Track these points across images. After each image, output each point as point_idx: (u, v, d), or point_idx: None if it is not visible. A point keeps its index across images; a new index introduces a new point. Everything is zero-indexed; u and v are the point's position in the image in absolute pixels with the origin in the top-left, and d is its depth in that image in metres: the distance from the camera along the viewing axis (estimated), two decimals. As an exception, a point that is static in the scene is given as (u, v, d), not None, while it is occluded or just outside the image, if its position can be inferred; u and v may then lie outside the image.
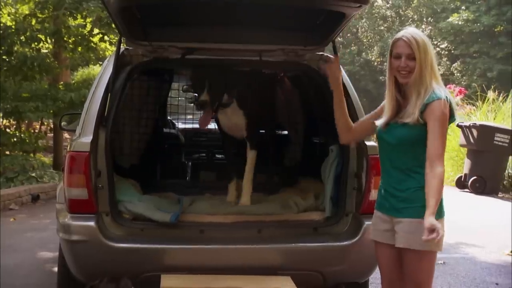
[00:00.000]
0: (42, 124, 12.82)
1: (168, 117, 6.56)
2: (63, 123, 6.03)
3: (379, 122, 3.28)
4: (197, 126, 6.14)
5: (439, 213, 3.10)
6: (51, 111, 11.13)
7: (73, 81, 13.03)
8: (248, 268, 3.79)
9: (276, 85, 5.23)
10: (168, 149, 5.91)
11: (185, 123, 6.47)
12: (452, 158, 12.48)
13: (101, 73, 4.16)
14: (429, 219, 2.94)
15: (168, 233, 3.88)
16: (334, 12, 3.71)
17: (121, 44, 4.11)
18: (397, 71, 3.18)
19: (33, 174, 10.32)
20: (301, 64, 4.35)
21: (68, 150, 3.91)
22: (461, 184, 11.45)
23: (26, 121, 12.23)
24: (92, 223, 3.72)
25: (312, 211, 4.19)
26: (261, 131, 4.96)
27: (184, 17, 4.01)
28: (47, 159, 12.44)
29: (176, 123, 6.63)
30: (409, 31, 3.17)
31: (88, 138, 3.77)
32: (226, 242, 3.86)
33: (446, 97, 3.11)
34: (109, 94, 3.93)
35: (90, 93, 4.09)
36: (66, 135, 13.48)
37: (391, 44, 3.23)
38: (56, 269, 5.67)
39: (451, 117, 3.16)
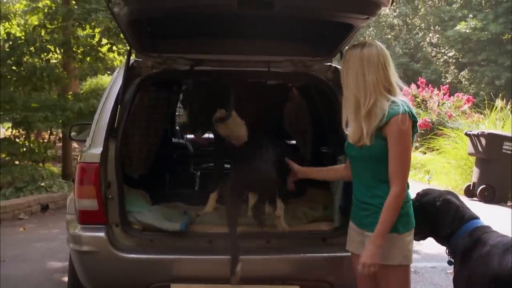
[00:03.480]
0: (51, 134, 12.88)
1: (177, 127, 6.60)
2: (72, 134, 6.07)
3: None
4: (205, 135, 6.20)
5: (407, 227, 3.09)
6: (60, 121, 11.19)
7: (82, 91, 13.10)
8: (257, 278, 3.80)
9: (281, 95, 5.24)
10: (176, 159, 5.94)
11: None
12: (461, 166, 12.46)
13: (111, 84, 4.19)
14: (365, 252, 3.04)
15: (177, 244, 3.90)
16: (342, 23, 3.75)
17: (131, 56, 4.15)
18: None
19: (42, 184, 10.36)
20: (309, 74, 4.37)
21: (78, 161, 3.94)
22: (469, 192, 11.41)
23: (35, 131, 12.30)
24: (102, 234, 3.75)
25: (321, 222, 4.20)
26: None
27: (192, 28, 4.05)
28: (56, 168, 12.49)
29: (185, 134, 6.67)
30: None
31: (98, 150, 3.80)
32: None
33: (405, 109, 3.01)
34: (119, 105, 3.96)
35: (100, 104, 4.13)
36: (74, 144, 13.55)
37: None
38: (65, 279, 5.72)
39: (414, 128, 3.06)
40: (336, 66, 4.36)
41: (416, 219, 3.14)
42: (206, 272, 3.81)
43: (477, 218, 3.26)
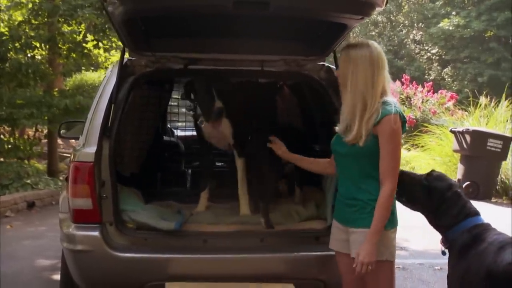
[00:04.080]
0: (36, 130, 12.78)
1: (168, 125, 6.59)
2: (62, 131, 6.03)
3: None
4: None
5: (392, 223, 3.18)
6: (46, 118, 11.11)
7: (67, 88, 13.01)
8: (250, 277, 3.83)
9: (272, 93, 5.26)
10: (168, 157, 5.94)
11: (185, 130, 6.50)
12: (446, 163, 12.58)
13: (104, 83, 4.18)
14: (362, 251, 3.07)
15: (172, 243, 3.91)
16: (335, 23, 3.77)
17: (124, 55, 4.15)
18: None
19: (28, 181, 10.29)
20: (302, 73, 4.40)
21: (72, 160, 3.93)
22: (454, 189, 11.51)
23: (19, 128, 12.21)
24: (96, 233, 3.75)
25: (314, 220, 4.22)
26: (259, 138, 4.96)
27: (186, 27, 4.06)
28: (41, 165, 12.42)
29: (175, 131, 6.66)
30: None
31: (92, 149, 3.80)
32: (229, 251, 3.89)
33: (396, 109, 3.09)
34: (113, 105, 3.96)
35: (93, 103, 4.11)
36: (60, 141, 13.47)
37: None
38: (54, 277, 5.72)
39: (402, 128, 3.15)
40: (329, 65, 4.39)
41: (416, 193, 3.27)
42: (201, 270, 3.83)
43: (479, 214, 3.26)
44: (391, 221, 3.16)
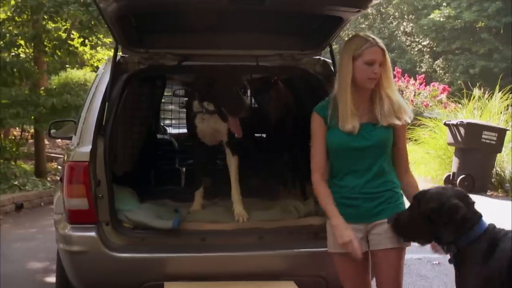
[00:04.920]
0: (22, 130, 12.73)
1: (161, 123, 6.60)
2: (52, 131, 6.03)
3: (344, 129, 3.23)
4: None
5: None
6: (33, 117, 11.08)
7: (54, 86, 12.97)
8: (250, 275, 3.84)
9: (268, 89, 5.29)
10: (161, 155, 5.95)
11: (178, 128, 6.51)
12: (440, 156, 12.64)
13: (97, 81, 4.19)
14: None
15: (169, 242, 3.92)
16: (331, 16, 3.80)
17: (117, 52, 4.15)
18: (367, 78, 3.19)
19: (16, 183, 10.27)
20: (298, 68, 4.42)
21: (66, 160, 3.94)
22: (449, 183, 11.53)
23: (5, 128, 12.16)
24: (93, 234, 3.76)
25: (313, 216, 4.22)
26: (257, 135, 5.00)
27: (180, 23, 4.07)
28: (28, 166, 12.38)
29: (168, 129, 6.68)
30: (376, 38, 3.26)
31: (87, 148, 3.81)
32: (228, 249, 3.91)
33: None
34: (107, 103, 3.97)
35: (86, 101, 4.12)
36: (46, 141, 13.42)
37: (361, 49, 3.19)
38: (48, 279, 5.72)
39: None
40: (325, 59, 4.42)
41: (417, 226, 3.09)
42: (199, 269, 3.85)
43: (481, 217, 3.12)
44: None
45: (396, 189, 3.29)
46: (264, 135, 5.79)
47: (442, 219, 3.01)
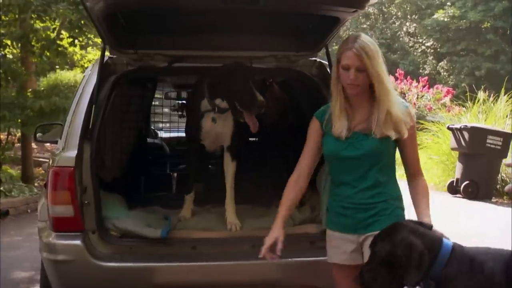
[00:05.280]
0: (9, 134, 12.71)
1: (151, 127, 6.60)
2: (38, 134, 6.03)
3: (334, 134, 3.22)
4: (181, 134, 6.21)
5: None
6: (19, 121, 11.07)
7: (42, 88, 12.94)
8: (242, 285, 3.86)
9: (266, 92, 5.29)
10: (152, 161, 5.95)
11: (170, 132, 6.51)
12: (443, 162, 12.65)
13: (84, 83, 4.19)
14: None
15: (158, 250, 3.92)
16: (327, 16, 3.80)
17: (105, 53, 4.15)
18: (346, 83, 3.15)
19: (1, 188, 10.25)
20: (293, 70, 4.43)
21: (51, 165, 3.93)
22: (453, 189, 11.60)
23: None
24: (78, 242, 3.74)
25: (308, 224, 4.25)
26: (250, 139, 5.00)
27: (171, 23, 4.07)
28: (15, 171, 12.36)
29: (160, 133, 6.68)
30: (359, 41, 3.11)
31: (72, 153, 3.79)
32: (219, 258, 3.90)
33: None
34: (94, 105, 3.96)
35: (73, 104, 4.12)
36: (34, 145, 13.40)
37: (340, 53, 3.16)
38: (31, 289, 5.70)
39: None
40: (321, 61, 4.43)
41: (380, 275, 2.94)
42: (190, 279, 3.84)
43: (443, 237, 3.00)
44: None
45: (391, 201, 3.23)
46: (256, 139, 5.79)
47: (400, 261, 2.86)
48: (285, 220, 3.40)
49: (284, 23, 4.10)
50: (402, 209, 3.29)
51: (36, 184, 11.82)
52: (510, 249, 3.04)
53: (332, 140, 3.25)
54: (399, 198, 3.29)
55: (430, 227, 3.05)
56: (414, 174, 3.30)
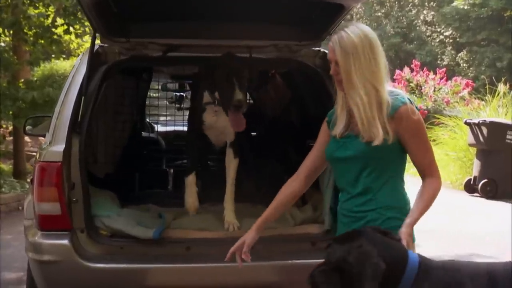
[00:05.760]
0: (0, 127, 12.77)
1: (147, 120, 6.61)
2: (27, 127, 6.04)
3: (332, 133, 3.15)
4: (178, 128, 6.21)
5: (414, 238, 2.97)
6: (11, 113, 11.09)
7: (35, 78, 12.98)
8: (241, 287, 3.85)
9: (266, 84, 5.29)
10: (147, 156, 5.95)
11: (166, 125, 6.52)
12: (460, 159, 12.63)
13: (73, 73, 4.19)
14: (404, 229, 2.83)
15: (151, 251, 3.92)
16: (331, 4, 3.79)
17: (95, 41, 4.15)
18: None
19: (-9, 184, 10.32)
20: (295, 60, 4.41)
21: (37, 160, 3.94)
22: (470, 187, 11.57)
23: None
24: (66, 241, 3.75)
25: (310, 224, 4.24)
26: (251, 133, 5.00)
27: (165, 10, 4.06)
28: (6, 166, 12.41)
29: (155, 126, 6.68)
30: (340, 33, 3.02)
31: (60, 147, 3.80)
32: (215, 259, 3.88)
33: (409, 99, 3.03)
34: (83, 97, 3.96)
35: (61, 95, 4.12)
36: (27, 139, 13.44)
37: None
38: (20, 291, 5.72)
39: None
40: (325, 51, 4.41)
41: (332, 284, 2.72)
42: (183, 282, 3.84)
43: (407, 251, 2.73)
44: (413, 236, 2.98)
45: (382, 210, 3.04)
46: (256, 134, 5.79)
47: (351, 269, 2.61)
48: (266, 221, 3.36)
49: (285, 10, 4.09)
50: (398, 219, 3.01)
51: (28, 180, 11.85)
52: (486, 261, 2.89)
53: (332, 140, 3.18)
54: (394, 208, 3.06)
55: (398, 239, 2.79)
56: (424, 175, 3.06)
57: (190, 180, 4.54)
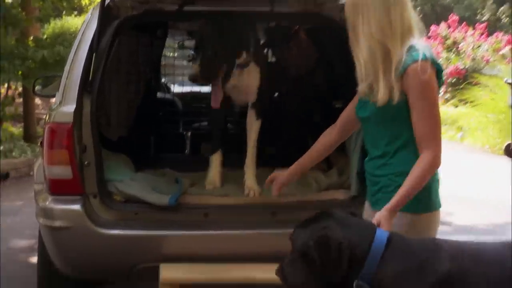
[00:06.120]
0: (9, 87, 12.84)
1: (163, 80, 6.61)
2: (37, 88, 6.08)
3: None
4: (196, 89, 6.22)
5: (430, 206, 3.00)
6: (20, 73, 11.14)
7: (45, 36, 12.98)
8: (259, 257, 3.83)
9: (291, 41, 5.26)
10: (162, 118, 5.97)
11: (182, 85, 6.52)
12: (500, 121, 12.51)
13: (83, 28, 4.19)
14: (381, 213, 2.82)
15: (167, 217, 3.95)
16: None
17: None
18: None
19: (1, 148, 10.41)
20: (320, 15, 4.37)
21: (47, 121, 3.97)
22: (510, 152, 11.48)
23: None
24: (77, 207, 3.80)
25: (336, 189, 4.25)
26: (273, 95, 4.98)
27: None
28: (16, 129, 12.52)
29: (172, 87, 6.68)
30: None
31: (70, 107, 3.83)
32: (234, 227, 3.94)
33: (425, 55, 2.88)
34: (94, 54, 3.97)
35: (71, 53, 4.14)
36: (38, 100, 13.53)
37: None
38: (33, 259, 5.81)
39: (438, 78, 2.95)
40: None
41: (299, 272, 2.69)
42: (201, 250, 3.89)
43: (375, 230, 2.70)
44: (430, 205, 3.01)
45: (394, 177, 3.00)
46: (279, 94, 5.78)
47: (313, 254, 2.60)
48: (300, 167, 3.54)
49: None
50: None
51: (38, 143, 11.97)
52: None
53: (359, 98, 3.16)
54: (406, 174, 2.93)
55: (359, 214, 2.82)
56: (420, 147, 2.91)
57: (215, 159, 4.49)
